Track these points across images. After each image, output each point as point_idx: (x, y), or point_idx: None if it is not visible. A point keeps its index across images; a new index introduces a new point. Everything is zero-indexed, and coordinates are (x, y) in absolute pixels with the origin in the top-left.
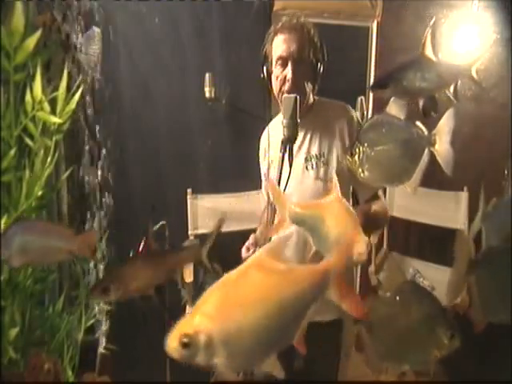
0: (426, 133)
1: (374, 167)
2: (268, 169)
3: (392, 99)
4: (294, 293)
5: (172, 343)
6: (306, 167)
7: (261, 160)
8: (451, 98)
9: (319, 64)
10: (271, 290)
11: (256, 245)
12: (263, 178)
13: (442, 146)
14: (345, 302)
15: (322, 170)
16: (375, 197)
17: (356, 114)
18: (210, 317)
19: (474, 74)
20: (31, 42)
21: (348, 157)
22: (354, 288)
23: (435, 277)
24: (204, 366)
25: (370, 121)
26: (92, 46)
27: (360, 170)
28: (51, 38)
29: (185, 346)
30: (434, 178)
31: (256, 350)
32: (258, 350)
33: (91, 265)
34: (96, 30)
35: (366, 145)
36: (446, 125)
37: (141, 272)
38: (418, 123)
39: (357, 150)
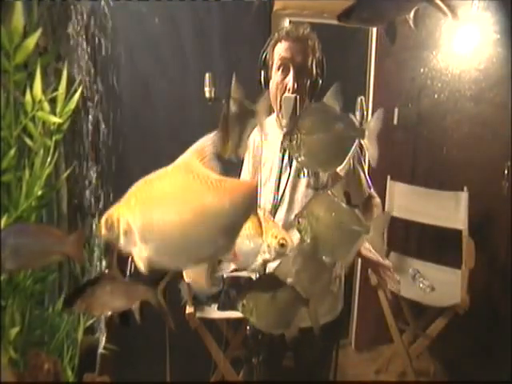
0: (357, 125)
1: (309, 153)
2: (256, 167)
3: (330, 90)
4: (220, 202)
5: (100, 224)
6: (298, 175)
7: (246, 155)
8: (411, 24)
9: (319, 78)
10: (193, 193)
11: None
12: (246, 174)
13: (370, 139)
14: None
15: (312, 179)
16: (368, 199)
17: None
18: (132, 209)
19: None
20: (31, 41)
21: (287, 142)
22: None
23: (435, 277)
24: (125, 251)
25: (308, 109)
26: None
27: (297, 154)
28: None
29: (107, 228)
30: (433, 178)
31: (175, 251)
32: (177, 251)
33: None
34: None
35: (303, 132)
36: (375, 120)
37: (102, 296)
38: (351, 115)
39: (295, 136)
